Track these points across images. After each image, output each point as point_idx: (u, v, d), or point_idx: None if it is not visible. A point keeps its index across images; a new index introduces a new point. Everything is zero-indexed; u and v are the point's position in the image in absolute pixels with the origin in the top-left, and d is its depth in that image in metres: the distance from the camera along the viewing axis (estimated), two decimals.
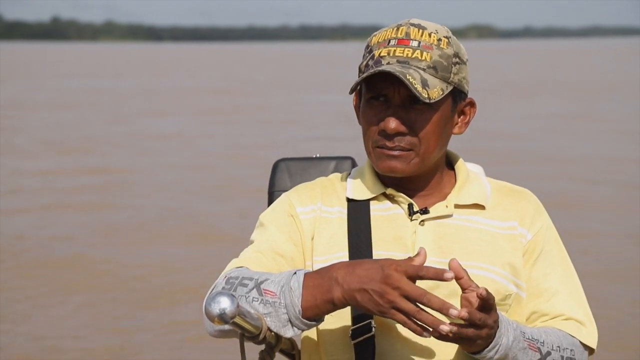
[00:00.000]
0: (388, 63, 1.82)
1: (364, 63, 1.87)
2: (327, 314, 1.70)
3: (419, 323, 1.61)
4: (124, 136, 16.23)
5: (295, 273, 1.70)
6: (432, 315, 1.61)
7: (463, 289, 1.67)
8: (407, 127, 1.84)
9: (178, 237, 8.25)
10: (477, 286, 1.66)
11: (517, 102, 23.10)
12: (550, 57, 62.70)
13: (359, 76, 1.89)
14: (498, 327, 1.69)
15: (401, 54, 1.82)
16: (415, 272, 1.61)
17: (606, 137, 15.75)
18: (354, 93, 1.92)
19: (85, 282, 6.79)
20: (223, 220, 8.99)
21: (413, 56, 1.82)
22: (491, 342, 1.69)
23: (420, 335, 1.62)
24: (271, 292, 1.69)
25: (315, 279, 1.68)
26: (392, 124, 1.83)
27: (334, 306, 1.67)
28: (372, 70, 1.80)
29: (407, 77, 1.78)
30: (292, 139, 15.39)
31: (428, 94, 1.79)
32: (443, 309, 1.59)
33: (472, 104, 1.93)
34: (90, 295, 6.47)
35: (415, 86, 1.78)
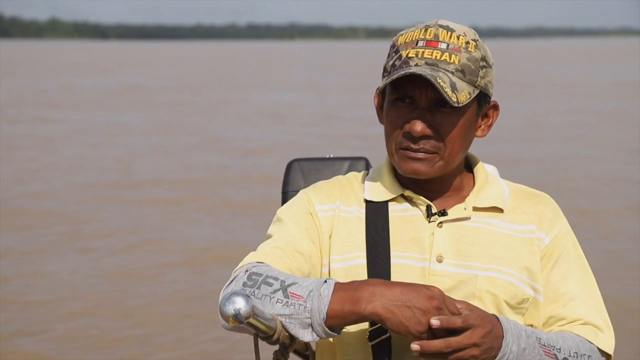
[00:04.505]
0: (416, 64, 1.80)
1: (390, 63, 1.85)
2: (350, 324, 1.68)
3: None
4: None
5: (326, 281, 1.68)
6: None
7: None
8: (432, 131, 1.82)
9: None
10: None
11: None
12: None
13: (383, 75, 1.87)
14: (503, 336, 1.68)
15: (430, 56, 1.80)
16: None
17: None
18: (375, 93, 1.90)
19: None
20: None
21: (442, 58, 1.80)
22: (497, 353, 1.68)
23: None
24: (298, 295, 1.67)
25: (346, 290, 1.66)
26: (418, 126, 1.81)
27: (360, 318, 1.65)
28: (402, 72, 1.78)
29: (438, 81, 1.76)
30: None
31: (457, 98, 1.78)
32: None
33: (495, 107, 1.93)
34: None
35: (445, 90, 1.76)
